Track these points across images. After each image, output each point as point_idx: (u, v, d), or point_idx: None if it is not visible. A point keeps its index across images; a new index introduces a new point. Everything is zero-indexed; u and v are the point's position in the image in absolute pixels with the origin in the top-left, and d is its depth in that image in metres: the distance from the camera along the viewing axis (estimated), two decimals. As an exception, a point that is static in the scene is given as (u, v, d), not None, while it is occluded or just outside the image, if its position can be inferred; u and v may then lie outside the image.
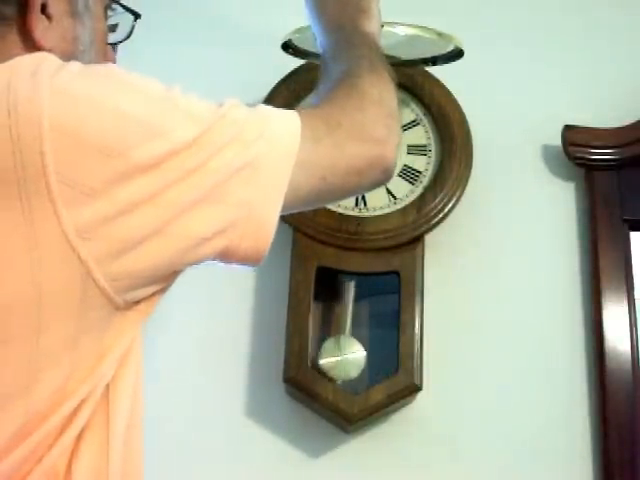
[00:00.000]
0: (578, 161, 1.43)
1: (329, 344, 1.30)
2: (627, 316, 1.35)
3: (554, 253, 1.42)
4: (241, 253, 0.70)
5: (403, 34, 1.14)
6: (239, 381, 1.36)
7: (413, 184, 1.37)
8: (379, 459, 1.32)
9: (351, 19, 0.93)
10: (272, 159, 0.70)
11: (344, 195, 0.87)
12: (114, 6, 0.84)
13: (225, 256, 0.70)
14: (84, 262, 0.62)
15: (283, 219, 1.32)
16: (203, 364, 1.38)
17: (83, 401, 0.66)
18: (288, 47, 1.22)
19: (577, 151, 1.42)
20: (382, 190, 1.35)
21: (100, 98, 0.64)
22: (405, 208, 1.34)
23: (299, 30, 1.16)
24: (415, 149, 1.39)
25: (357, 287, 1.35)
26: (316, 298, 1.32)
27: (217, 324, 1.40)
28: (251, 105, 0.72)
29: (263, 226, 0.70)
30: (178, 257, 0.67)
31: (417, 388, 1.27)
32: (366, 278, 1.35)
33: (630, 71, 1.52)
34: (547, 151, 1.48)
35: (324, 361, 1.28)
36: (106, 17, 0.83)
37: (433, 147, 1.39)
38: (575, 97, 1.50)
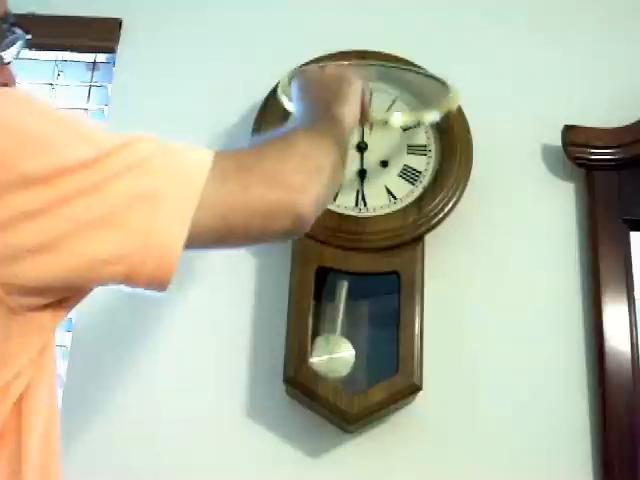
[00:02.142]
0: (578, 161, 1.43)
1: (319, 343, 1.30)
2: (627, 316, 1.35)
3: (554, 253, 1.42)
4: (143, 279, 0.70)
5: (398, 121, 1.20)
6: (239, 381, 1.36)
7: (413, 184, 1.36)
8: (379, 459, 1.32)
9: (326, 101, 1.01)
10: (174, 191, 0.70)
11: (251, 238, 0.83)
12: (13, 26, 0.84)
13: (129, 281, 0.71)
14: None
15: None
16: (203, 364, 1.37)
17: None
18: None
19: (577, 151, 1.42)
20: (382, 190, 1.36)
21: None
22: (405, 208, 1.34)
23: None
24: (415, 149, 1.39)
25: (357, 287, 1.35)
26: (316, 298, 1.32)
27: (217, 324, 1.40)
28: (166, 142, 0.73)
29: (164, 255, 0.70)
30: (74, 275, 0.67)
31: (417, 388, 1.27)
32: (366, 278, 1.35)
33: (630, 71, 1.52)
34: (547, 151, 1.48)
35: (314, 359, 1.28)
36: (1, 37, 0.82)
37: (433, 147, 1.39)
38: (575, 97, 1.51)
